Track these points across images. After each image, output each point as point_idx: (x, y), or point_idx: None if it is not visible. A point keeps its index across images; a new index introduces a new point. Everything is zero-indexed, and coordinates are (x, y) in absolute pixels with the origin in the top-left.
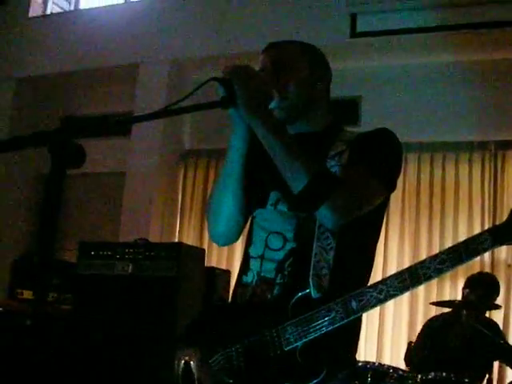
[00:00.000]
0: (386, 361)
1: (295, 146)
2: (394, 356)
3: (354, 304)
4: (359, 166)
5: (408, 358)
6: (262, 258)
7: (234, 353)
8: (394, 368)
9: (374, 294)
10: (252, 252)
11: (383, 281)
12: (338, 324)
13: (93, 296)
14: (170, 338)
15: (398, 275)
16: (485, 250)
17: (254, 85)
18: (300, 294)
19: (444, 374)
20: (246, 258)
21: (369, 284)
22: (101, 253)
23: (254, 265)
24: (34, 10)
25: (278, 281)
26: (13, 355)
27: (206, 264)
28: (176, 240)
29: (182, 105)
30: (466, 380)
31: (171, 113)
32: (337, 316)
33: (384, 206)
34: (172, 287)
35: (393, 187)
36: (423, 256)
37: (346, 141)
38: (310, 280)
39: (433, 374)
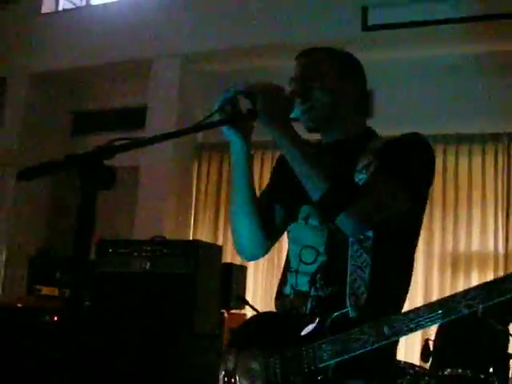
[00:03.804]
0: (401, 357)
1: (314, 156)
2: (409, 352)
3: (386, 330)
4: (381, 172)
5: (424, 354)
6: (296, 272)
7: (272, 362)
8: (410, 364)
9: (406, 321)
10: (289, 266)
11: (415, 310)
12: (370, 348)
13: (111, 293)
14: (187, 334)
15: (430, 307)
16: None
17: (274, 98)
18: (337, 313)
19: (460, 370)
20: (284, 272)
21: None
22: (118, 250)
23: (291, 279)
24: (47, 6)
25: (311, 293)
26: (32, 351)
27: (222, 260)
28: (190, 235)
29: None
30: (482, 376)
31: (199, 129)
32: (369, 340)
33: (417, 217)
34: (189, 284)
35: (421, 196)
36: (436, 248)
37: (374, 150)
38: (347, 299)
39: (449, 370)
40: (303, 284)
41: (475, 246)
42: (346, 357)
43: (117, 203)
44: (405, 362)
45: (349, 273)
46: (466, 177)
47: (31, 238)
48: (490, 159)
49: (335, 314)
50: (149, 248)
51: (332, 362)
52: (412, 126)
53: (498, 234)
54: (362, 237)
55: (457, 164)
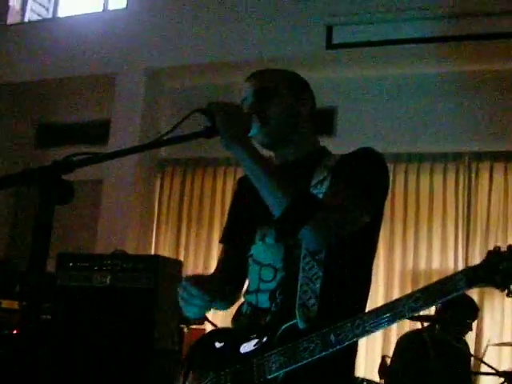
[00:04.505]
0: (360, 373)
1: (275, 172)
2: (369, 368)
3: (332, 337)
4: (341, 186)
5: (382, 371)
6: (257, 291)
7: (223, 377)
8: (367, 381)
9: (352, 328)
10: (249, 287)
11: (361, 316)
12: (318, 356)
13: (71, 306)
14: (146, 350)
15: (376, 312)
16: (458, 291)
17: (233, 116)
18: (287, 324)
19: None
20: (244, 294)
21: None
22: (79, 264)
23: (250, 298)
24: (12, 18)
25: (272, 309)
26: None
27: (183, 274)
28: (152, 249)
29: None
30: None
31: (158, 145)
32: (316, 348)
33: (374, 230)
34: (149, 299)
35: (378, 207)
36: (397, 265)
37: (329, 166)
38: (296, 311)
39: None
40: (264, 301)
41: (435, 263)
42: (294, 366)
43: (80, 217)
44: (362, 378)
45: (299, 285)
46: (427, 195)
47: None
48: (451, 178)
49: (285, 325)
50: (109, 262)
51: (281, 372)
52: (375, 144)
53: (457, 252)
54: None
55: (418, 182)
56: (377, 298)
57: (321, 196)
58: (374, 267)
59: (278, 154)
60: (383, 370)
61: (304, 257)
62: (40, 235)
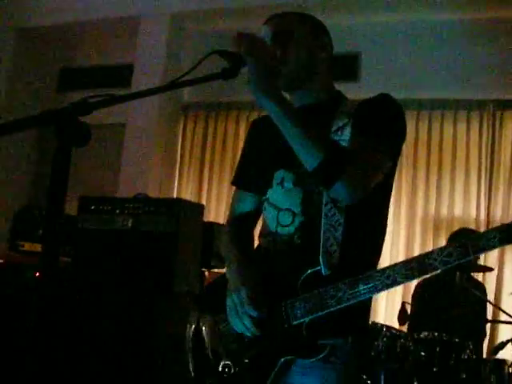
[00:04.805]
0: (380, 320)
1: (306, 124)
2: (388, 315)
3: (361, 286)
4: (366, 137)
5: (401, 317)
6: (275, 234)
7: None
8: (387, 327)
9: (382, 278)
10: (265, 230)
11: (392, 266)
12: (345, 305)
13: (92, 249)
14: (166, 291)
15: (406, 263)
16: (492, 248)
17: (266, 61)
18: (310, 270)
19: (436, 333)
20: (260, 236)
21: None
22: (101, 207)
23: (268, 242)
24: None
25: (290, 253)
26: (14, 308)
27: (205, 219)
28: (174, 193)
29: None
30: (457, 340)
31: (175, 86)
32: (344, 297)
33: (390, 175)
34: (171, 242)
35: (398, 155)
36: (419, 211)
37: (347, 113)
38: (320, 258)
39: (425, 333)
40: (282, 245)
41: (458, 210)
42: (321, 313)
43: (102, 160)
44: (382, 324)
45: (322, 231)
46: (451, 143)
47: (15, 193)
48: (475, 126)
49: (308, 271)
50: (131, 205)
51: (306, 319)
52: (397, 90)
53: (480, 200)
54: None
55: (441, 130)
56: (398, 243)
57: (343, 143)
58: (396, 213)
59: (295, 97)
60: (403, 316)
61: (326, 204)
62: (57, 177)
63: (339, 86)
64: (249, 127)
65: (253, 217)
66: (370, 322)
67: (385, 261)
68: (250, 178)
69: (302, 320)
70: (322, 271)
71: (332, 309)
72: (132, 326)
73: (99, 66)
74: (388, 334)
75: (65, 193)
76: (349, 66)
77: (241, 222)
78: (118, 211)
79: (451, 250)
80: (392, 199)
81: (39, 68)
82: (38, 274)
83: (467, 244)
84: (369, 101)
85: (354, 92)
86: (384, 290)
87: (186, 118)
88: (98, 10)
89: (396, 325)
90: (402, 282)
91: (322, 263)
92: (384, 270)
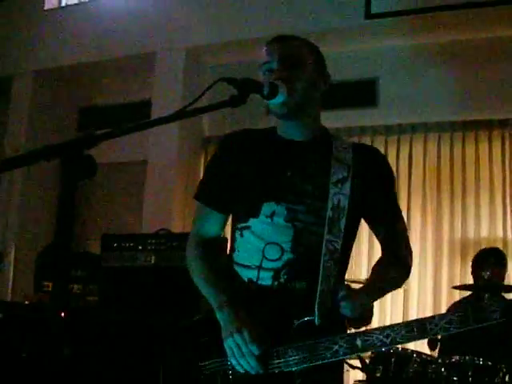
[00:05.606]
0: (410, 346)
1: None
2: (418, 341)
3: (358, 342)
4: (398, 221)
5: (432, 342)
6: (259, 267)
7: (228, 362)
8: (417, 352)
9: (381, 337)
10: (245, 261)
11: (391, 326)
12: (341, 357)
13: (117, 287)
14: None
15: (407, 325)
16: (493, 321)
17: None
18: (306, 319)
19: (467, 357)
20: (239, 265)
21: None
22: (123, 244)
23: (251, 274)
24: (50, 2)
25: (274, 287)
26: (39, 347)
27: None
28: None
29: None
30: (489, 363)
31: (186, 115)
32: (340, 350)
33: None
34: None
35: None
36: (445, 235)
37: (342, 161)
38: (316, 308)
39: (457, 357)
40: (266, 279)
41: (484, 232)
42: (316, 363)
43: (125, 198)
44: (412, 350)
45: (319, 281)
46: (473, 163)
47: (40, 233)
48: (497, 145)
49: (302, 319)
50: (153, 241)
51: (299, 367)
52: (417, 114)
53: (506, 220)
54: (332, 248)
55: (464, 151)
56: (426, 267)
57: (341, 197)
58: (423, 237)
59: (287, 126)
60: (433, 341)
61: (325, 254)
62: (63, 210)
63: (358, 112)
64: (223, 140)
65: (221, 240)
66: (400, 348)
67: (413, 288)
68: (226, 200)
69: (293, 368)
70: (316, 321)
71: (327, 360)
72: (157, 364)
73: (118, 103)
74: (418, 359)
75: (71, 226)
76: (367, 92)
77: (212, 248)
78: (140, 247)
79: (452, 318)
80: (418, 224)
81: (58, 108)
82: (62, 315)
83: (469, 314)
84: (371, 160)
85: (372, 117)
86: (381, 348)
87: (207, 153)
88: (113, 48)
89: (426, 350)
90: (401, 343)
91: (316, 313)
92: (383, 328)
